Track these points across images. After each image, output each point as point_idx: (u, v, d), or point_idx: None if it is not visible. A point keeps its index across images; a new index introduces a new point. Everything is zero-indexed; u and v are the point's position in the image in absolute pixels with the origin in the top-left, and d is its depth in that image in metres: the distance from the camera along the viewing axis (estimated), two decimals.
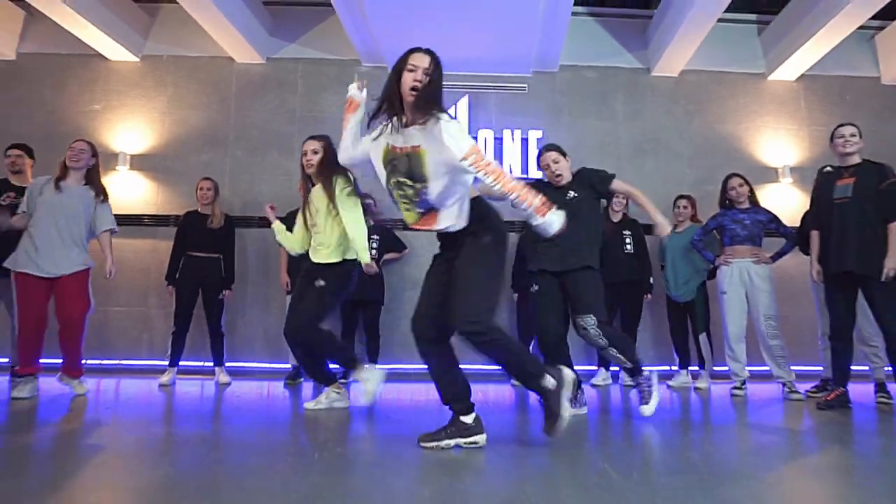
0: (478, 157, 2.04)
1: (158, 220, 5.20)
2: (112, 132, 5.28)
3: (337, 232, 3.25)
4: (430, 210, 2.18)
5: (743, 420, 3.08)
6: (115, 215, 5.02)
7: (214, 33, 5.02)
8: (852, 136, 3.44)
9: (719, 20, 5.45)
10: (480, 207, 2.23)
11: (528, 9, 4.47)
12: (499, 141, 5.37)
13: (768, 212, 4.17)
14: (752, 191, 4.21)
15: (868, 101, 5.67)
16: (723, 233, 4.24)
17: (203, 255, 4.49)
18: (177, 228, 4.59)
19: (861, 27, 5.18)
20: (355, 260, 3.26)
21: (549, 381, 2.16)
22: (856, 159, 3.44)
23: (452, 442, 2.16)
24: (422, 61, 2.11)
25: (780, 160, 5.53)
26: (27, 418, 2.85)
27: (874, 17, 5.14)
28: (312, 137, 3.34)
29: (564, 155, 3.21)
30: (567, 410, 2.14)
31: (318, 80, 5.48)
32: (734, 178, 4.22)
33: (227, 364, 4.67)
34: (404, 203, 2.20)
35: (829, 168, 4.11)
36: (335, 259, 3.24)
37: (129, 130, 5.29)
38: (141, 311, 5.11)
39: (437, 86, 2.12)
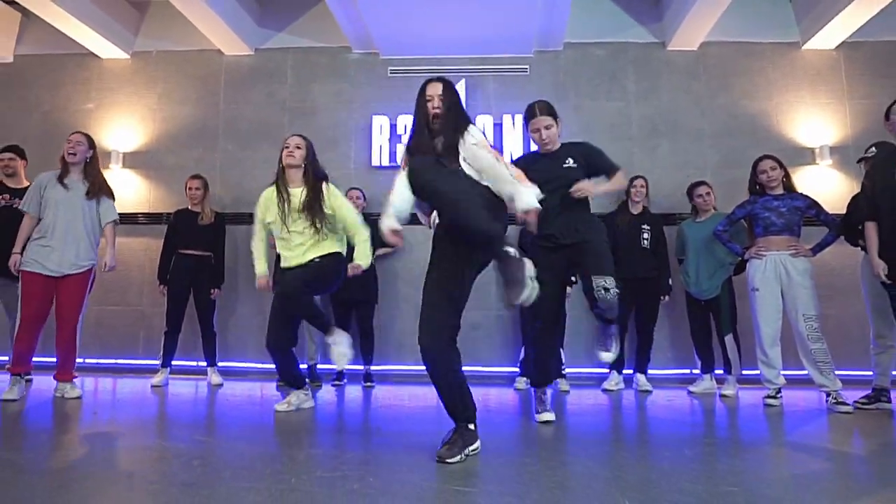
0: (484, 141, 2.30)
1: (152, 218, 5.39)
2: (105, 130, 5.52)
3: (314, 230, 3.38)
4: None
5: (780, 438, 2.84)
6: None
7: (202, 26, 5.16)
8: None
9: None
10: None
11: None
12: (498, 127, 5.30)
13: (807, 197, 3.87)
14: (787, 174, 3.94)
15: None
16: (754, 222, 3.95)
17: (194, 253, 4.66)
18: (167, 226, 4.78)
19: None
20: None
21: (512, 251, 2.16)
22: None
23: (466, 451, 2.22)
24: (435, 90, 2.36)
25: (818, 140, 5.20)
26: (14, 424, 2.94)
27: None
28: (297, 134, 3.50)
29: (556, 118, 3.13)
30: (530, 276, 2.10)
31: (309, 69, 5.54)
32: (766, 160, 3.94)
33: (220, 364, 4.84)
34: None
35: (873, 149, 3.77)
36: (328, 250, 3.40)
37: (122, 128, 5.52)
38: (136, 310, 5.32)
39: (456, 108, 2.38)
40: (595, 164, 3.11)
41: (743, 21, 5.32)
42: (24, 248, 3.66)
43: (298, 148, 3.39)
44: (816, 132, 5.21)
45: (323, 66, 5.54)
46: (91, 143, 3.84)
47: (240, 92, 5.55)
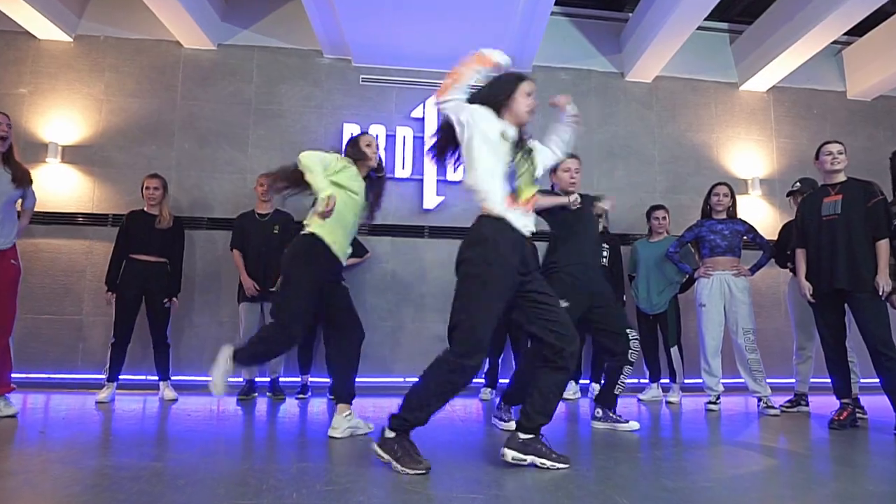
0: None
1: (95, 220, 5.00)
2: (41, 120, 5.07)
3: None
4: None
5: (726, 439, 3.20)
6: (47, 213, 4.90)
7: (160, 14, 4.90)
8: (840, 153, 3.65)
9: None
10: None
11: (508, 6, 4.52)
12: None
13: (746, 222, 4.41)
14: (734, 203, 4.45)
15: (833, 115, 6.07)
16: (701, 244, 4.46)
17: (148, 258, 4.39)
18: (119, 229, 4.47)
19: (830, 42, 5.48)
20: None
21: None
22: (842, 177, 3.66)
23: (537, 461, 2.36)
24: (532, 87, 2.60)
25: (750, 172, 5.84)
26: None
27: (842, 33, 5.45)
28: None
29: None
30: None
31: (277, 69, 5.40)
32: (722, 185, 4.45)
33: (173, 378, 4.57)
34: (528, 179, 2.51)
35: (797, 183, 4.41)
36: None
37: (61, 118, 5.08)
38: (75, 320, 4.91)
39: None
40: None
41: (691, 60, 5.89)
42: None
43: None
44: (749, 165, 5.88)
45: (292, 68, 5.41)
46: (9, 124, 3.48)
47: (200, 88, 5.29)
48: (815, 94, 6.08)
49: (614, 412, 3.42)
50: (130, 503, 1.82)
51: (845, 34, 5.84)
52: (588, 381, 4.98)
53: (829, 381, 3.68)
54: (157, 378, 4.45)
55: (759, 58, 5.67)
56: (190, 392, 4.71)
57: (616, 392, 3.43)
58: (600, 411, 3.46)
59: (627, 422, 3.37)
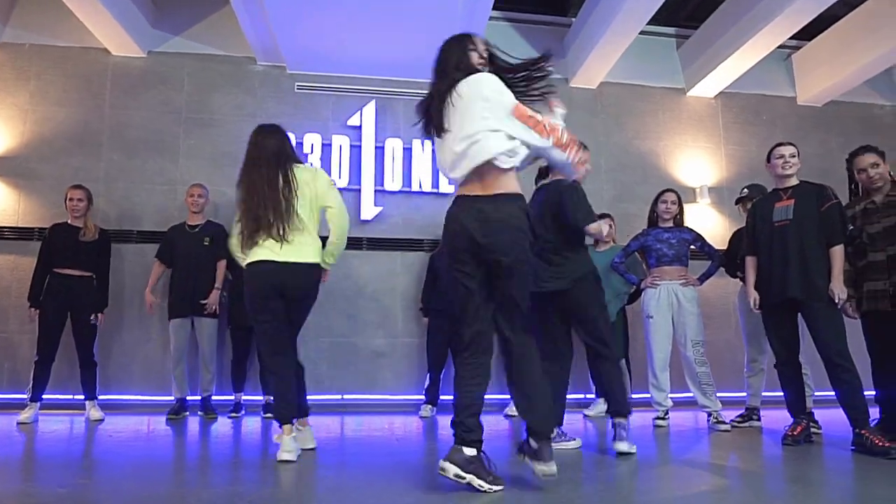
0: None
1: (20, 233, 4.89)
2: None
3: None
4: None
5: (665, 455, 3.12)
6: None
7: (86, 21, 4.79)
8: (792, 156, 3.48)
9: (639, 32, 5.57)
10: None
11: (446, 10, 4.43)
12: (408, 151, 5.38)
13: (693, 231, 4.30)
14: (681, 210, 4.34)
15: (783, 121, 6.01)
16: (647, 253, 4.34)
17: (72, 272, 4.31)
18: (41, 242, 4.38)
19: (778, 46, 5.40)
20: None
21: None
22: (794, 181, 3.51)
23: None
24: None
25: (698, 180, 5.77)
26: None
27: (792, 37, 5.39)
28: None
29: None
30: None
31: (208, 77, 5.29)
32: (669, 193, 4.33)
33: (101, 397, 4.50)
34: None
35: (745, 190, 4.29)
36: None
37: None
38: (0, 338, 4.77)
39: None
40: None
41: (637, 65, 5.80)
42: None
43: None
44: (697, 173, 5.81)
45: (224, 76, 5.30)
46: None
47: (129, 96, 5.16)
48: (765, 99, 6.01)
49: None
50: None
51: (794, 38, 5.78)
52: None
53: (781, 394, 3.52)
54: (83, 397, 4.35)
55: (706, 62, 5.59)
56: (118, 412, 4.64)
57: None
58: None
59: (573, 440, 3.25)
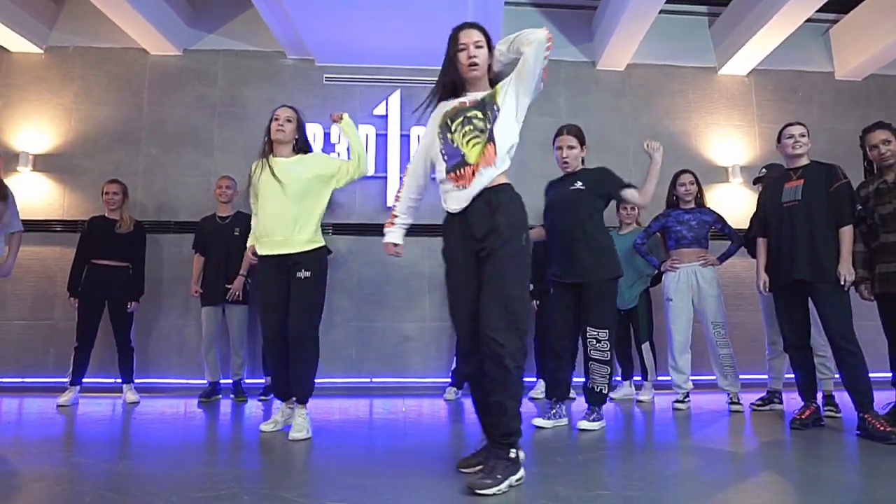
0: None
1: (66, 226, 5.14)
2: (13, 130, 5.24)
3: (318, 210, 3.19)
4: (490, 142, 2.25)
5: (687, 440, 3.10)
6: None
7: (123, 24, 5.03)
8: (801, 136, 3.45)
9: (669, 12, 5.59)
10: (520, 200, 2.32)
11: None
12: None
13: (714, 212, 4.27)
14: (701, 191, 4.31)
15: (820, 97, 5.83)
16: (667, 235, 4.31)
17: (109, 263, 4.48)
18: (80, 234, 4.60)
19: (815, 20, 5.32)
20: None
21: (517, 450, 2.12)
22: (804, 161, 3.46)
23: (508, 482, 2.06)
24: (470, 37, 2.28)
25: (730, 159, 5.64)
26: None
27: (828, 10, 5.28)
28: (286, 105, 3.37)
29: (582, 143, 3.52)
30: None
31: (240, 72, 5.47)
32: (685, 174, 4.30)
33: (140, 381, 4.69)
34: (474, 138, 2.27)
35: (763, 170, 4.25)
36: (316, 245, 3.16)
37: (33, 128, 5.24)
38: (46, 325, 5.06)
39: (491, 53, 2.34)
40: (602, 184, 3.42)
41: (667, 45, 5.73)
42: None
43: (289, 121, 3.25)
44: (729, 152, 5.67)
45: (256, 71, 5.48)
46: None
47: (166, 93, 5.39)
48: (801, 75, 5.83)
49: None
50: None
51: (832, 12, 5.63)
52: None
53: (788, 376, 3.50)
54: (120, 381, 4.54)
55: (737, 39, 5.46)
56: (155, 395, 4.80)
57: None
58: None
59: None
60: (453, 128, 2.31)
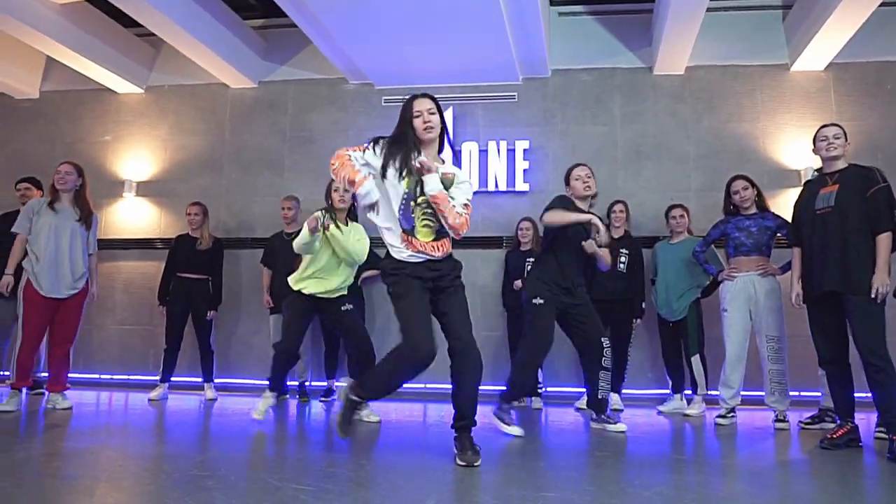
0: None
1: (163, 243, 5.87)
2: (120, 161, 6.05)
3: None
4: (442, 231, 2.67)
5: (732, 458, 3.08)
6: (124, 240, 5.84)
7: (205, 64, 5.63)
8: (836, 137, 3.28)
9: (736, 9, 5.42)
10: None
11: (490, 15, 4.54)
12: (483, 153, 5.58)
13: (778, 217, 4.05)
14: (759, 194, 4.12)
15: None
16: (727, 242, 4.16)
17: (191, 276, 5.07)
18: (169, 250, 5.24)
19: (890, 3, 4.84)
20: None
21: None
22: (840, 164, 3.28)
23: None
24: (424, 105, 2.64)
25: (804, 161, 5.30)
26: (10, 431, 3.39)
27: None
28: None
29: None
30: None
31: (307, 99, 5.96)
32: (738, 180, 4.12)
33: (222, 380, 5.25)
34: (428, 221, 2.64)
35: (815, 172, 3.97)
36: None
37: (135, 158, 6.03)
38: (147, 330, 5.80)
39: (444, 128, 2.73)
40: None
41: (730, 44, 5.48)
42: (16, 269, 4.02)
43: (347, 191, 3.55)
44: (802, 154, 5.31)
45: (322, 97, 5.93)
46: (80, 172, 4.19)
47: (244, 122, 6.00)
48: (887, 66, 5.33)
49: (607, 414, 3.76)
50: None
51: None
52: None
53: (868, 395, 3.16)
54: (201, 380, 5.15)
55: (808, 31, 5.06)
56: (232, 393, 5.38)
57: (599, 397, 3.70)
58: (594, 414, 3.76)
59: (616, 423, 3.68)
60: (419, 200, 2.61)
